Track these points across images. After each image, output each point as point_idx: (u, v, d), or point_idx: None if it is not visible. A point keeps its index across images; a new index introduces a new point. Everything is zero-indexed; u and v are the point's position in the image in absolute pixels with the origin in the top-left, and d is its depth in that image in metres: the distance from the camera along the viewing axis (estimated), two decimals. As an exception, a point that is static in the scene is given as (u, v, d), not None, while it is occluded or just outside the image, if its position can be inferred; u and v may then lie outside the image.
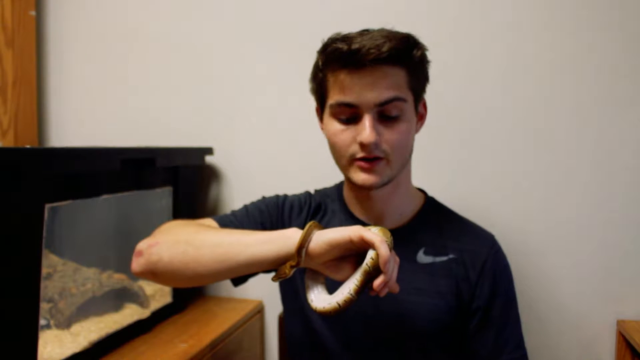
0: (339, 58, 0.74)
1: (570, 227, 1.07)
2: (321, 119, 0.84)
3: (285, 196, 0.93)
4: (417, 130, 0.83)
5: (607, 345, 1.05)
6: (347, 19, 1.13)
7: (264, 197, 0.93)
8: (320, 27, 1.18)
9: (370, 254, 0.62)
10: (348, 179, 0.81)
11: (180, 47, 1.31)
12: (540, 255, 1.08)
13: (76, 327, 0.90)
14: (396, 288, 0.64)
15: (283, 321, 1.08)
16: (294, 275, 0.85)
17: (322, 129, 0.85)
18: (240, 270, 0.70)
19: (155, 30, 1.33)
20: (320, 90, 0.81)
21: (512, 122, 1.09)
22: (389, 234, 0.66)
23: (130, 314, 1.01)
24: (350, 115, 0.76)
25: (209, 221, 0.84)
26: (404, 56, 0.74)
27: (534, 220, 1.09)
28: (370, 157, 0.75)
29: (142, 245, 0.74)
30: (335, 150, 0.79)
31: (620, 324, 1.03)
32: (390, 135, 0.75)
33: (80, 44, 1.39)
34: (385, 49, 0.71)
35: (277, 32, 1.23)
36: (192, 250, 0.70)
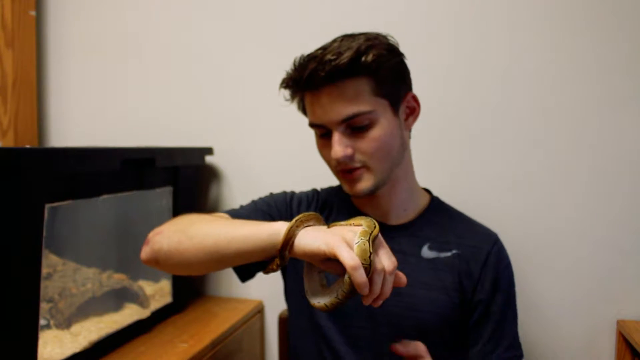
0: (297, 84, 0.78)
1: (570, 227, 1.07)
2: None
3: (293, 192, 0.94)
4: (409, 125, 0.84)
5: (607, 345, 1.05)
6: (348, 19, 1.14)
7: (271, 193, 0.94)
8: (320, 28, 1.18)
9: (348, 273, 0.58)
10: None
11: (180, 47, 1.31)
12: (540, 255, 1.08)
13: (76, 327, 0.90)
14: (404, 281, 0.63)
15: (283, 321, 1.08)
16: (299, 271, 0.86)
17: None
18: (229, 262, 0.70)
19: (155, 30, 1.33)
20: (302, 109, 0.85)
21: (512, 122, 1.09)
22: (367, 251, 0.58)
23: (130, 314, 1.01)
24: (324, 132, 0.79)
25: (222, 215, 0.84)
26: (357, 67, 0.73)
27: (534, 220, 1.09)
28: (347, 169, 0.78)
29: (150, 234, 0.75)
30: (324, 161, 0.83)
31: (620, 324, 1.03)
32: (363, 144, 0.76)
33: (80, 44, 1.39)
34: (328, 68, 0.72)
35: (277, 32, 1.23)
36: (186, 240, 0.70)
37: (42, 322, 0.79)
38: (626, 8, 1.02)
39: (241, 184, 1.27)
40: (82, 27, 1.39)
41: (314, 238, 0.61)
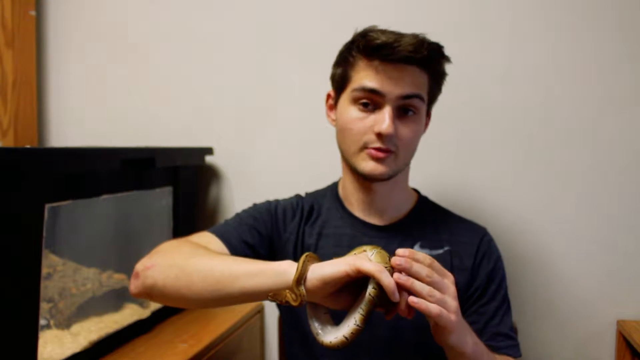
0: (377, 47, 0.77)
1: (570, 228, 1.07)
2: (332, 106, 0.87)
3: (277, 201, 0.92)
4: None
5: (607, 345, 1.05)
6: (348, 19, 1.13)
7: (254, 204, 0.92)
8: (321, 27, 1.18)
9: (372, 284, 0.60)
10: (353, 169, 0.82)
11: (180, 47, 1.31)
12: (540, 255, 1.08)
13: (76, 327, 0.90)
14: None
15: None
16: None
17: (328, 116, 0.88)
18: (232, 301, 0.68)
19: (155, 30, 1.33)
20: (344, 74, 0.82)
21: (511, 123, 1.09)
22: (387, 257, 0.63)
23: (130, 314, 1.01)
24: (371, 102, 0.78)
25: (208, 236, 0.82)
26: (433, 63, 0.79)
27: (534, 221, 1.09)
28: (384, 148, 0.77)
29: (139, 266, 0.74)
30: (348, 137, 0.81)
31: (620, 324, 1.03)
32: (403, 131, 0.78)
33: (81, 44, 1.39)
34: (422, 51, 0.75)
35: (277, 32, 1.23)
36: (184, 277, 0.69)
37: (42, 322, 0.79)
38: (626, 8, 1.02)
39: (241, 184, 1.27)
40: (82, 27, 1.39)
41: (332, 264, 0.62)
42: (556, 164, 1.07)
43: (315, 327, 0.66)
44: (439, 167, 1.12)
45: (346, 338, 0.61)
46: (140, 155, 0.99)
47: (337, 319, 0.66)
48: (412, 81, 0.78)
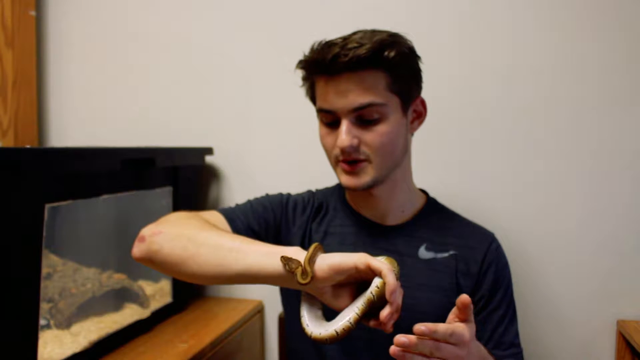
0: (314, 67, 0.77)
1: (570, 227, 1.07)
2: None
3: (289, 195, 0.93)
4: (414, 129, 0.85)
5: (607, 345, 1.05)
6: (349, 19, 1.14)
7: (267, 194, 0.93)
8: (321, 27, 1.18)
9: (376, 282, 0.60)
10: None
11: (180, 47, 1.31)
12: (540, 255, 1.08)
13: (76, 327, 0.90)
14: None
15: (283, 321, 1.08)
16: None
17: None
18: (236, 278, 0.68)
19: (155, 30, 1.33)
20: (310, 95, 0.84)
21: (512, 123, 1.09)
22: (395, 263, 0.64)
23: (130, 314, 1.01)
24: (331, 120, 0.78)
25: (216, 215, 0.83)
26: (377, 59, 0.74)
27: (534, 220, 1.09)
28: (350, 160, 0.77)
29: (145, 231, 0.73)
30: (325, 152, 0.83)
31: (620, 324, 1.03)
32: (370, 137, 0.76)
33: (80, 44, 1.39)
34: (352, 54, 0.72)
35: (277, 32, 1.23)
36: (192, 248, 0.69)
37: (42, 322, 0.79)
38: (627, 8, 1.02)
39: (241, 184, 1.27)
40: (82, 27, 1.39)
41: (343, 254, 0.62)
42: (557, 164, 1.07)
43: (306, 319, 0.66)
44: (439, 168, 1.12)
45: (337, 333, 0.61)
46: (140, 155, 0.99)
47: (328, 317, 0.66)
48: (361, 89, 0.74)
